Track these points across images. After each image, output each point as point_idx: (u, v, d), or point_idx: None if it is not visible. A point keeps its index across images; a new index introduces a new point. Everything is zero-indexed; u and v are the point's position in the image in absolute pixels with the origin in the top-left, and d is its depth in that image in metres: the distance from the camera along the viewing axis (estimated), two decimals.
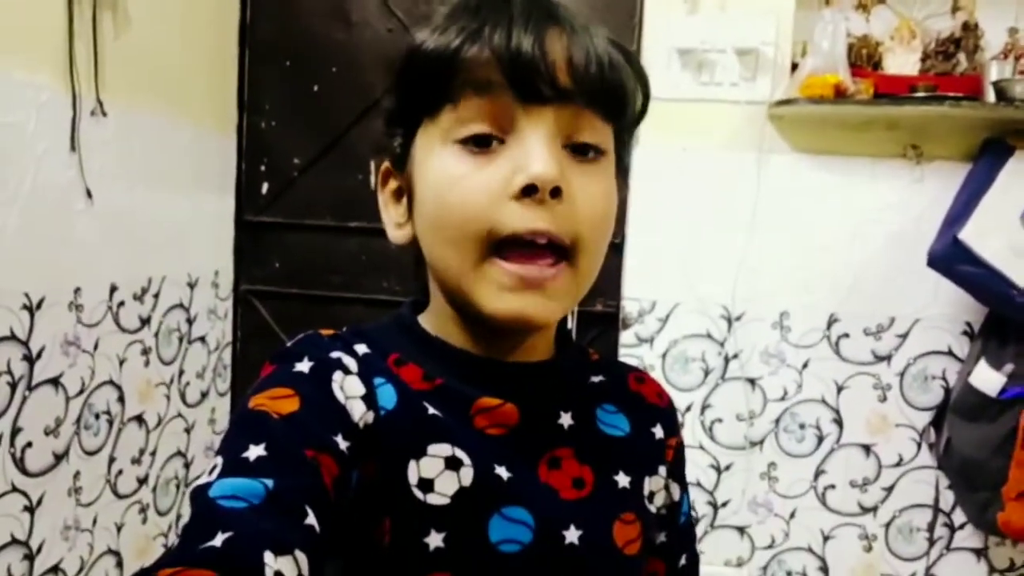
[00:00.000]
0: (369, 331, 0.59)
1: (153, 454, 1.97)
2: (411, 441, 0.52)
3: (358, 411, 0.51)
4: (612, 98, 0.54)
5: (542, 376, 0.60)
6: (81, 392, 1.67)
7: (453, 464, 0.52)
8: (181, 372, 2.06)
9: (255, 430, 0.47)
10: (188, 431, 2.12)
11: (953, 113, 1.82)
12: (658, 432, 0.65)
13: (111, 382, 1.77)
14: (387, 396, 0.54)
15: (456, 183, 0.52)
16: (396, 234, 0.60)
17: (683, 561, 0.68)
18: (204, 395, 2.19)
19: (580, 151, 0.54)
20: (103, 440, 1.76)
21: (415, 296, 0.64)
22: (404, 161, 0.57)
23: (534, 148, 0.51)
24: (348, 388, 0.52)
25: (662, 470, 0.64)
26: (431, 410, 0.54)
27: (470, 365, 0.57)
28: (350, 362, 0.54)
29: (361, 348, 0.56)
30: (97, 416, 1.73)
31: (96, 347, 1.71)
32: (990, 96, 1.84)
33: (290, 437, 0.47)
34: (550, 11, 0.53)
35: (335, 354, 0.54)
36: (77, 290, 1.64)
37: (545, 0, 0.55)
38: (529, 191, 0.50)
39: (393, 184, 0.60)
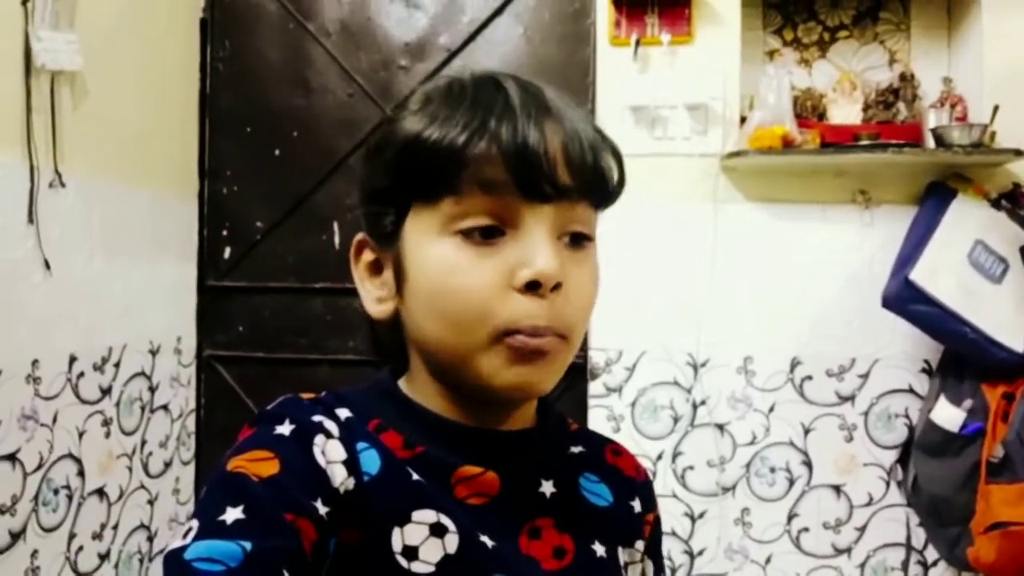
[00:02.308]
0: (349, 396, 0.58)
1: (115, 528, 1.91)
2: (395, 507, 0.52)
3: (339, 476, 0.50)
4: (603, 188, 0.57)
5: (524, 444, 0.59)
6: (39, 467, 1.63)
7: (438, 531, 0.52)
8: (143, 442, 2.02)
9: (233, 492, 0.46)
10: (151, 503, 2.06)
11: (896, 159, 1.90)
12: (636, 506, 0.65)
13: (70, 455, 1.73)
14: (371, 461, 0.53)
15: (460, 273, 0.52)
16: (377, 308, 0.59)
17: None
18: (168, 465, 2.14)
19: (574, 241, 0.55)
20: (62, 516, 1.71)
21: (375, 360, 0.64)
22: (391, 239, 0.57)
23: (539, 244, 0.52)
24: (329, 452, 0.51)
25: (639, 544, 0.63)
26: (415, 476, 0.53)
27: (452, 433, 0.57)
28: (332, 426, 0.53)
29: (343, 412, 0.55)
30: (56, 491, 1.68)
31: (55, 420, 1.67)
32: (930, 142, 1.92)
33: (269, 500, 0.46)
34: (544, 101, 0.54)
35: (316, 418, 0.53)
36: (35, 362, 1.61)
37: (533, 85, 0.56)
38: (533, 286, 0.52)
39: (369, 256, 0.60)
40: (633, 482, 0.66)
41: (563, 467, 0.61)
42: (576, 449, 0.64)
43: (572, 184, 0.53)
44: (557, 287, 0.52)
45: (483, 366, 0.53)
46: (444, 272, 0.53)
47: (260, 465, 0.48)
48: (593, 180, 0.55)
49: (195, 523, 0.45)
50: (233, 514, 0.45)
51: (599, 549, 0.59)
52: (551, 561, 0.56)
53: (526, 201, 0.52)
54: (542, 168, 0.52)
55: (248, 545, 0.43)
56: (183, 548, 0.43)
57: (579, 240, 0.56)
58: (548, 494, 0.58)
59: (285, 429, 0.51)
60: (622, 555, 0.61)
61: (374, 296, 0.59)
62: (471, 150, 0.52)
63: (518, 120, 0.52)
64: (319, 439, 0.51)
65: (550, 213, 0.53)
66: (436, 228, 0.53)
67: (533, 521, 0.57)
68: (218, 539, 0.43)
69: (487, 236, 0.53)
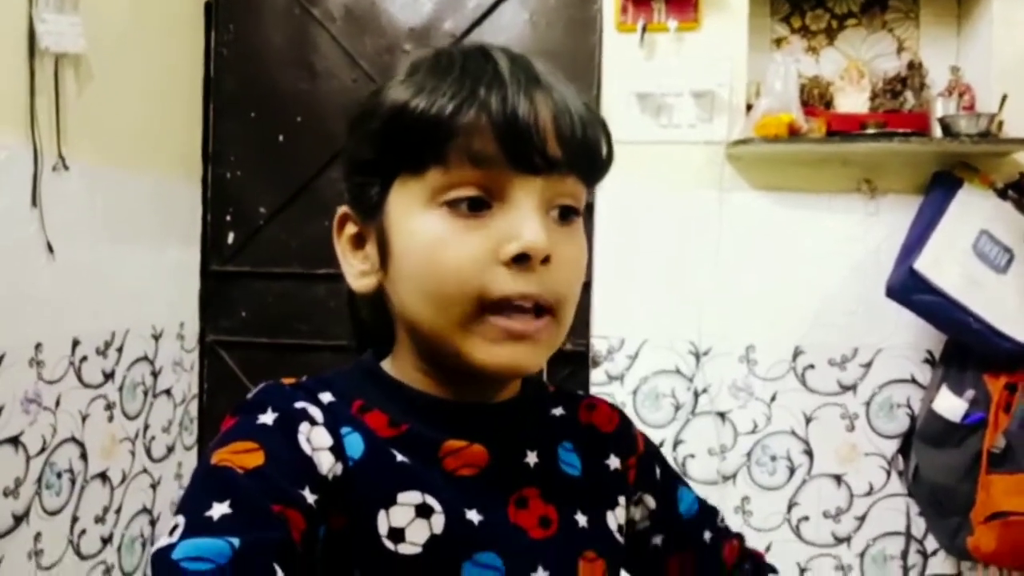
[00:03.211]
0: (332, 379, 0.58)
1: (118, 512, 1.91)
2: (380, 490, 0.52)
3: (326, 463, 0.50)
4: (592, 162, 0.56)
5: (507, 415, 0.60)
6: (42, 450, 1.63)
7: (424, 511, 0.52)
8: (146, 426, 2.02)
9: (219, 486, 0.46)
10: (154, 487, 2.07)
11: (903, 148, 1.89)
12: (612, 462, 0.64)
13: (73, 439, 1.73)
14: (354, 445, 0.53)
15: (446, 246, 0.52)
16: (360, 283, 0.58)
17: (707, 536, 0.69)
18: (170, 449, 2.15)
19: (562, 215, 0.55)
20: (65, 499, 1.72)
21: (349, 341, 0.64)
22: (375, 211, 0.56)
23: (527, 217, 0.51)
24: (315, 439, 0.51)
25: (621, 500, 0.64)
26: (399, 457, 0.53)
27: (435, 408, 0.57)
28: (315, 412, 0.52)
29: (326, 397, 0.55)
30: (59, 475, 1.69)
31: (58, 404, 1.67)
32: (937, 131, 1.91)
33: (256, 492, 0.45)
34: (534, 72, 0.54)
35: (299, 404, 0.52)
36: (38, 346, 1.62)
37: (524, 60, 0.55)
38: (521, 259, 0.51)
39: (351, 230, 0.59)
40: (606, 437, 0.66)
41: (545, 436, 0.61)
42: (557, 411, 0.65)
43: (562, 157, 0.52)
44: (546, 260, 0.52)
45: (470, 345, 0.53)
46: (430, 245, 0.52)
47: (244, 457, 0.47)
48: (583, 153, 0.54)
49: (181, 520, 0.44)
50: (219, 509, 0.44)
51: (581, 519, 0.59)
52: (537, 530, 0.57)
53: (515, 173, 0.52)
54: (532, 140, 0.51)
55: (236, 541, 0.43)
56: (170, 547, 0.43)
57: (568, 214, 0.55)
58: (532, 464, 0.59)
59: (268, 418, 0.51)
60: (613, 519, 0.62)
61: (357, 270, 0.59)
62: (459, 120, 0.51)
63: (508, 90, 0.51)
64: (304, 426, 0.51)
65: (539, 186, 0.52)
66: (422, 200, 0.53)
67: (520, 491, 0.57)
68: (205, 536, 0.43)
69: (474, 208, 0.52)
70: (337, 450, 0.51)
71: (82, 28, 1.66)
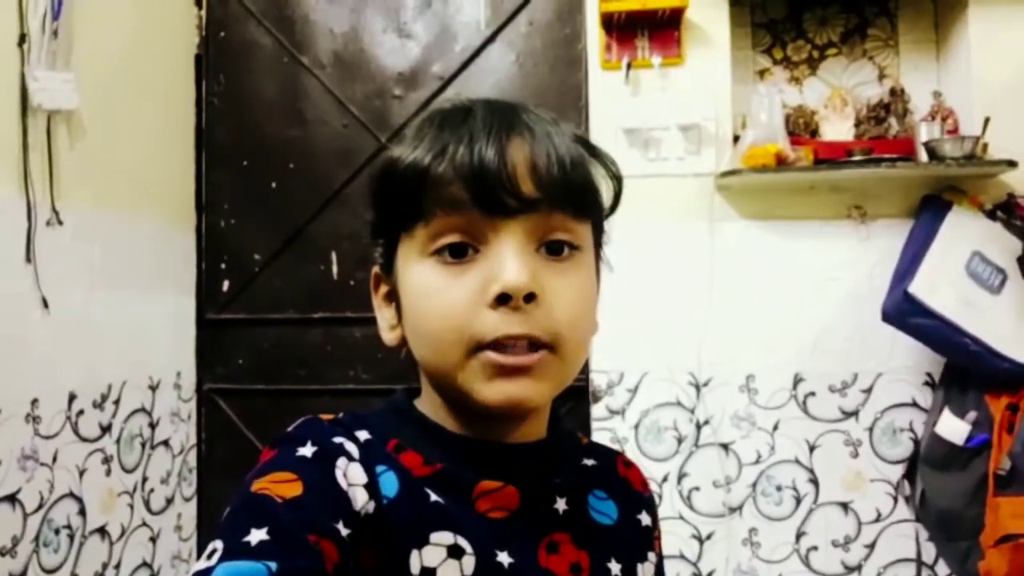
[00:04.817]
0: (368, 417, 0.59)
1: (117, 567, 1.88)
2: (413, 530, 0.53)
3: (360, 499, 0.51)
4: (579, 197, 0.56)
5: (539, 457, 0.60)
6: (40, 507, 1.61)
7: (455, 553, 0.52)
8: (145, 479, 2.00)
9: (257, 514, 0.47)
10: (154, 540, 2.04)
11: (890, 174, 1.91)
12: (644, 519, 0.66)
13: (71, 494, 1.71)
14: (389, 484, 0.54)
15: (434, 295, 0.54)
16: (389, 336, 0.61)
17: None
18: (169, 501, 2.12)
19: (555, 250, 0.56)
20: (64, 556, 1.69)
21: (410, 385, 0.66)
22: (390, 269, 0.60)
23: (506, 257, 0.53)
24: (351, 475, 0.52)
25: (652, 557, 0.65)
26: (433, 497, 0.54)
27: (468, 449, 0.58)
28: (352, 448, 0.54)
29: (362, 434, 0.56)
30: (57, 531, 1.67)
31: (55, 459, 1.66)
32: (923, 156, 1.94)
33: (293, 521, 0.47)
34: (511, 119, 0.56)
35: (337, 439, 0.54)
36: (34, 401, 1.61)
37: (506, 106, 0.57)
38: (503, 300, 0.52)
39: (384, 288, 0.62)
40: (640, 496, 0.68)
41: (576, 483, 0.62)
42: (589, 462, 0.66)
43: (539, 196, 0.54)
44: (531, 298, 0.53)
45: (464, 382, 0.54)
46: (423, 294, 0.55)
47: (283, 487, 0.49)
48: (565, 190, 0.55)
49: (219, 544, 0.45)
50: (257, 536, 0.45)
51: (614, 567, 0.60)
52: None
53: (489, 216, 0.54)
54: (500, 183, 0.53)
55: (273, 566, 0.44)
56: (208, 570, 0.44)
57: (559, 249, 0.56)
58: (561, 511, 0.59)
59: (307, 451, 0.52)
60: (641, 572, 0.62)
61: (387, 324, 0.62)
62: (432, 174, 0.54)
63: (476, 141, 0.54)
64: (341, 462, 0.53)
65: (520, 226, 0.54)
66: (415, 253, 0.56)
67: (551, 536, 0.58)
68: (243, 560, 0.44)
69: (457, 255, 0.54)
70: (371, 487, 0.53)
71: (74, 84, 1.68)
